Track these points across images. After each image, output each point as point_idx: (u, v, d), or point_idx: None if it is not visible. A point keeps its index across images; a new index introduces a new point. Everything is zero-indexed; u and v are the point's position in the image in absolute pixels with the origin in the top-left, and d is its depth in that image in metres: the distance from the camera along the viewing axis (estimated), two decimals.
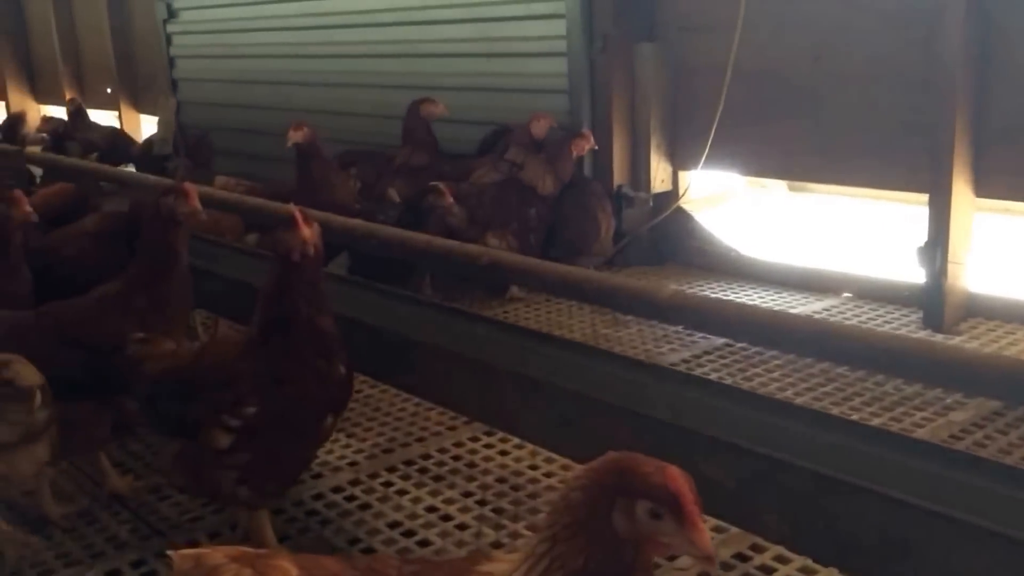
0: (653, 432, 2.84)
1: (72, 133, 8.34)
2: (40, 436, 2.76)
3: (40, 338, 2.96)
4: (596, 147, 5.21)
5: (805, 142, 4.89)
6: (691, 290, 4.83)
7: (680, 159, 5.45)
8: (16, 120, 9.63)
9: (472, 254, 3.09)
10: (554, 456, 3.35)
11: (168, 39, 9.01)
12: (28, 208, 2.99)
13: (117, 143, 8.46)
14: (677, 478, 1.43)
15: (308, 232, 2.55)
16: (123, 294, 3.02)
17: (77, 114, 9.50)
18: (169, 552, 1.71)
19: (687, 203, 5.54)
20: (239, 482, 2.63)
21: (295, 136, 5.03)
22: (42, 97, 12.42)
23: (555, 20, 5.48)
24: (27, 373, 2.67)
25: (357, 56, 6.90)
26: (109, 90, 10.95)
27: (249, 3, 7.84)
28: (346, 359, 2.66)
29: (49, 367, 2.88)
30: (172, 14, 8.86)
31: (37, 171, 7.03)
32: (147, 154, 7.42)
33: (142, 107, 10.47)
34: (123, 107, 10.63)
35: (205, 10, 8.39)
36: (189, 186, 3.10)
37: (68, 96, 11.60)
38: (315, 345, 2.58)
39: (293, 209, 2.59)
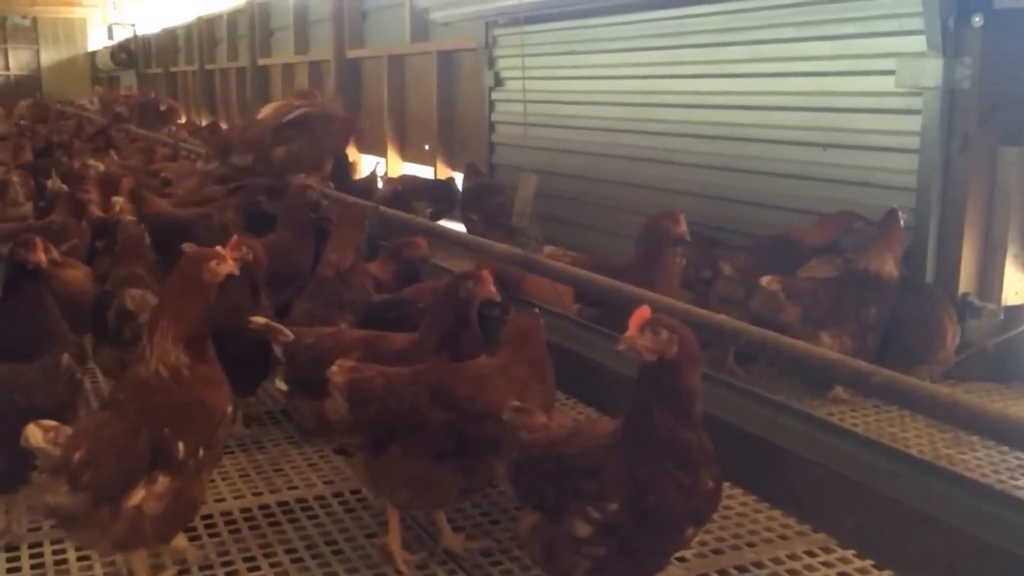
0: None
1: (417, 192, 8.94)
2: None
3: (416, 395, 3.10)
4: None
5: None
6: None
7: None
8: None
9: (862, 371, 2.88)
10: None
11: (491, 105, 9.50)
12: (492, 288, 3.33)
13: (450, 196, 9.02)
14: None
15: (650, 340, 2.47)
16: (498, 364, 3.10)
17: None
18: None
19: None
20: (591, 572, 2.61)
21: (678, 229, 5.01)
22: (365, 148, 13.48)
23: (910, 116, 5.21)
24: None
25: (681, 135, 6.92)
26: (427, 147, 11.72)
27: (576, 77, 8.11)
28: (716, 472, 2.55)
29: (422, 425, 3.06)
30: (499, 82, 9.33)
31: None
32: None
33: (457, 166, 11.08)
34: (439, 164, 11.33)
35: (532, 81, 8.74)
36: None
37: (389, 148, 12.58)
38: (675, 456, 2.49)
39: (638, 312, 2.52)
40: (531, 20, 8.47)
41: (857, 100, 5.61)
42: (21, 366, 3.39)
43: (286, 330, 3.55)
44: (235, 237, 4.17)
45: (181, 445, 2.82)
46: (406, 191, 8.83)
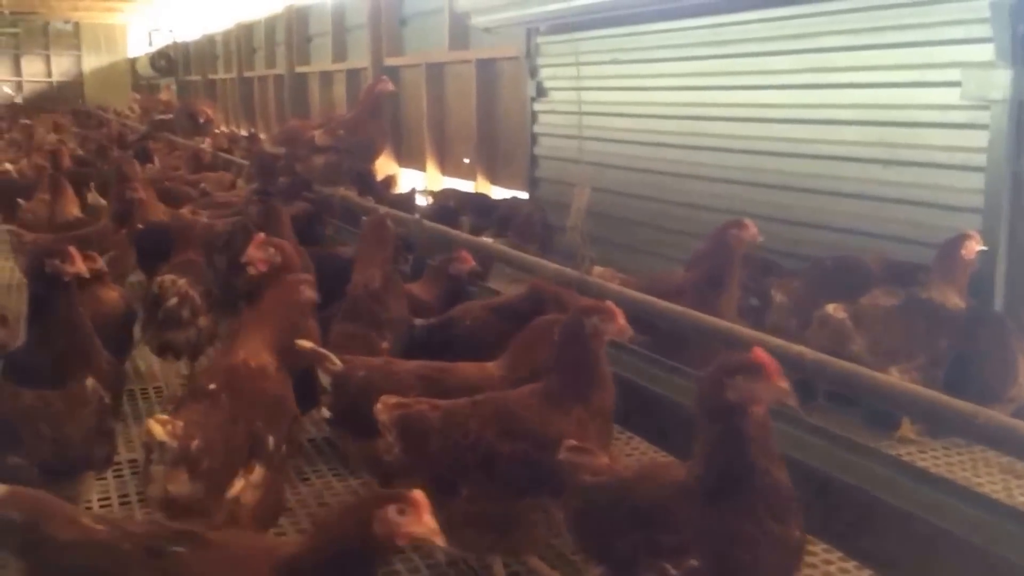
0: None
1: (466, 206, 8.78)
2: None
3: (481, 427, 2.91)
4: (986, 248, 4.62)
5: None
6: None
7: None
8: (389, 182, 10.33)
9: (966, 412, 2.64)
10: None
11: (533, 116, 9.32)
12: (623, 323, 2.99)
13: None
14: None
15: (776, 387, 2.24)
16: (554, 396, 2.91)
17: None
18: None
19: None
20: None
21: (747, 234, 4.73)
22: (405, 162, 13.36)
23: (976, 131, 4.98)
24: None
25: (732, 150, 6.71)
26: (467, 160, 11.56)
27: (624, 88, 7.91)
28: (801, 521, 2.34)
29: (492, 460, 2.87)
30: (541, 92, 9.16)
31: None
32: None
33: (498, 180, 10.91)
34: (479, 177, 11.16)
35: (577, 92, 8.58)
36: (614, 306, 2.98)
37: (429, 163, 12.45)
38: (770, 503, 2.28)
39: (762, 355, 2.28)
40: (576, 27, 8.29)
41: (919, 114, 5.38)
42: (48, 394, 3.23)
43: (334, 358, 3.31)
44: (260, 235, 4.00)
45: (271, 439, 2.94)
46: (455, 206, 8.58)
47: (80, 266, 3.64)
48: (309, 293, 3.36)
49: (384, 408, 2.92)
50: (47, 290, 3.61)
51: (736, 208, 6.52)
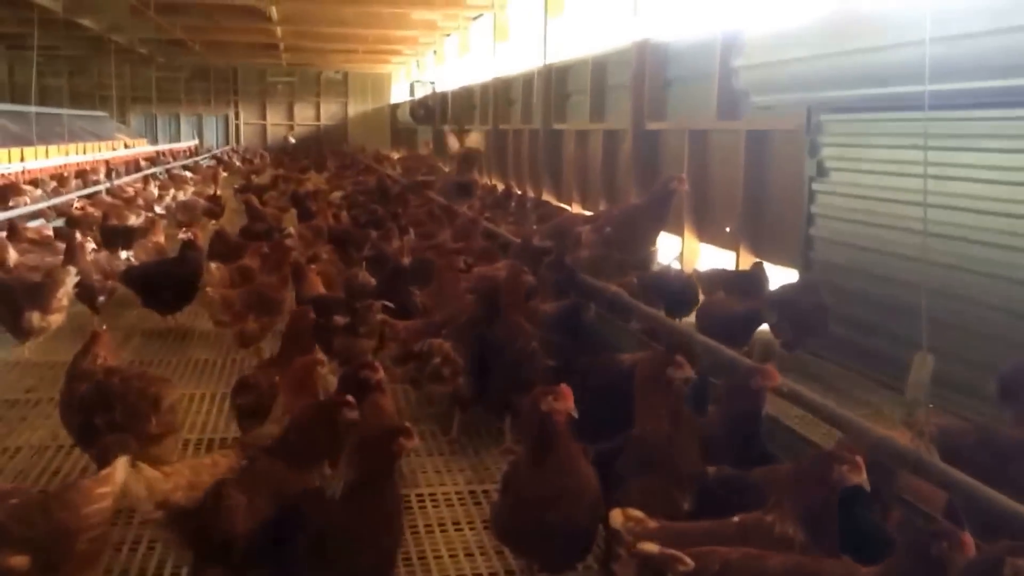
0: None
1: (733, 288, 8.20)
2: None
3: None
4: None
5: None
6: None
7: None
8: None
9: None
10: None
11: (811, 196, 8.66)
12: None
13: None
14: None
15: None
16: None
17: None
18: None
19: None
20: None
21: None
22: (669, 227, 12.92)
23: None
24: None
25: None
26: (728, 229, 11.01)
27: (912, 175, 7.11)
28: None
29: None
30: (822, 173, 8.49)
31: None
32: None
33: (762, 254, 10.27)
34: (742, 250, 10.58)
35: (862, 175, 7.88)
36: (968, 539, 2.47)
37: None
38: None
39: None
40: (869, 108, 7.63)
41: None
42: None
43: (685, 558, 2.91)
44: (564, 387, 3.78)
45: None
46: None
47: (383, 374, 4.62)
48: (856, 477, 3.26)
49: None
50: (356, 393, 4.21)
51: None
